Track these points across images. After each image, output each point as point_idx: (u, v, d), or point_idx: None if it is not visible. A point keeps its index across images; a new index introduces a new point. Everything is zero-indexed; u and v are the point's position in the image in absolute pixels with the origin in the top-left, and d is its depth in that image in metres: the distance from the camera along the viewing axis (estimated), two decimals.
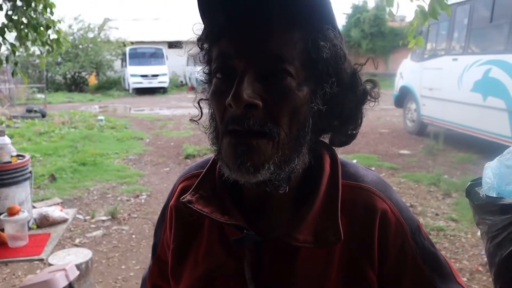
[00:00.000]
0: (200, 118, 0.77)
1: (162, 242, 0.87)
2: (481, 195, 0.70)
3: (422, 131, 8.50)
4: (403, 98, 9.10)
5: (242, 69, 0.64)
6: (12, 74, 3.94)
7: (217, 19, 0.68)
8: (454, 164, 6.54)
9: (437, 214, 4.57)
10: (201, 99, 0.77)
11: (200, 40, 0.72)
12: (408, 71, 8.99)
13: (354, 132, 0.75)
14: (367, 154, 7.09)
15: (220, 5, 0.66)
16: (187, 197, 0.76)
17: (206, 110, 0.76)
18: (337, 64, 0.68)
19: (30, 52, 4.08)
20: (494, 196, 0.67)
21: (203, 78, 0.76)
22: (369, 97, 0.73)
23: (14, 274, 3.43)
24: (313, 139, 0.71)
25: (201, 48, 0.73)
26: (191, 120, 0.79)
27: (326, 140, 0.76)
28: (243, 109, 0.63)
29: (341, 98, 0.70)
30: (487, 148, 6.26)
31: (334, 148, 0.78)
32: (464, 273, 3.35)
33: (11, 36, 3.57)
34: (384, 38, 22.49)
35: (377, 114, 11.45)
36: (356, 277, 0.72)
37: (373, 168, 4.79)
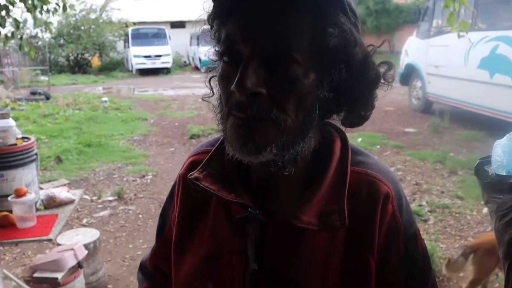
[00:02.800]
0: (212, 96, 0.76)
1: (170, 223, 0.87)
2: (490, 174, 0.68)
3: (427, 109, 8.44)
4: (409, 76, 9.01)
5: (247, 55, 0.63)
6: (20, 48, 3.93)
7: (224, 0, 0.66)
8: (460, 142, 6.51)
9: (442, 192, 4.58)
10: (212, 76, 0.76)
11: (210, 18, 0.71)
12: (413, 48, 8.87)
13: (366, 114, 0.73)
14: (372, 132, 7.05)
15: None
16: (195, 174, 0.76)
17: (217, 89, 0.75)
18: (346, 50, 0.65)
19: (37, 25, 4.10)
20: (504, 174, 0.66)
21: (214, 56, 0.74)
22: (382, 81, 0.71)
23: (24, 254, 3.49)
24: (320, 123, 0.70)
25: (211, 26, 0.72)
26: (203, 99, 0.78)
27: (338, 121, 0.74)
28: (247, 96, 0.62)
29: (350, 84, 0.68)
30: (493, 126, 6.21)
31: (344, 129, 0.77)
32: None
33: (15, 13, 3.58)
34: (389, 15, 22.10)
35: (382, 92, 11.23)
36: (357, 263, 0.71)
37: (378, 146, 4.79)
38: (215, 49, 0.73)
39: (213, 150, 0.80)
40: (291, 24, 0.63)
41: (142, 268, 0.97)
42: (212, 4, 0.70)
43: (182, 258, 0.80)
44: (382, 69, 0.71)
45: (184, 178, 0.80)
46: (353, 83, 0.68)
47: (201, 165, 0.77)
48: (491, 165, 0.70)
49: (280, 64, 0.63)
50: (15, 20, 3.45)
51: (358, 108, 0.71)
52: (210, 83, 0.77)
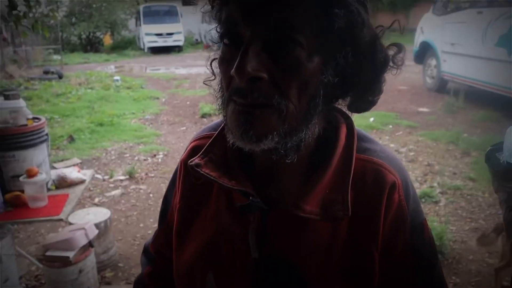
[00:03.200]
0: (214, 79, 0.74)
1: (172, 209, 0.86)
2: (501, 161, 0.66)
3: (442, 88, 8.28)
4: (423, 54, 8.81)
5: (248, 37, 0.60)
6: (32, 28, 3.93)
7: None
8: (475, 122, 6.40)
9: (454, 173, 4.53)
10: (214, 59, 0.74)
11: None
12: (429, 25, 8.65)
13: (374, 99, 0.70)
14: (385, 112, 6.96)
15: None
16: (196, 160, 0.74)
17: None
18: (353, 32, 0.62)
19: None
20: None
21: (216, 38, 0.72)
22: (391, 64, 0.68)
23: (37, 232, 3.56)
24: (325, 109, 0.67)
25: (212, 6, 0.69)
26: (205, 83, 0.77)
27: (344, 106, 0.72)
28: (247, 81, 0.60)
29: (357, 68, 0.65)
30: (510, 106, 6.08)
31: (350, 114, 0.74)
32: (480, 232, 3.34)
33: None
34: None
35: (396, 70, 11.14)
36: (360, 254, 0.69)
37: (390, 126, 4.74)
38: (216, 30, 0.71)
39: (215, 135, 0.78)
40: (294, 5, 0.60)
41: (145, 252, 0.97)
42: None
43: (183, 245, 0.79)
44: (391, 52, 0.68)
45: (186, 164, 0.78)
46: (360, 67, 0.65)
47: (203, 150, 0.76)
48: (502, 152, 0.67)
49: (283, 47, 0.61)
50: (27, 0, 3.44)
51: (365, 93, 0.69)
52: (211, 66, 0.75)
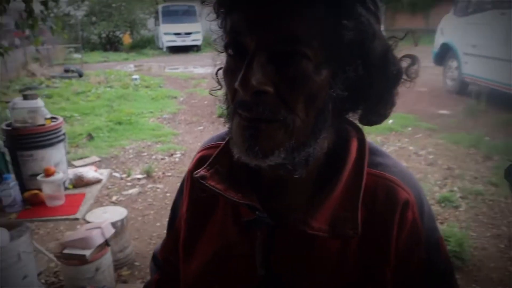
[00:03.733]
0: (221, 89, 0.73)
1: (180, 218, 0.84)
2: None
3: (463, 90, 8.11)
4: (444, 55, 8.66)
5: (253, 49, 0.57)
6: (52, 31, 3.98)
7: None
8: (497, 125, 6.24)
9: (475, 178, 4.42)
10: (220, 68, 0.72)
11: (216, 5, 0.66)
12: (450, 27, 8.49)
13: (386, 112, 0.67)
14: (404, 114, 6.86)
15: None
16: (201, 172, 0.72)
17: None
18: (363, 44, 0.59)
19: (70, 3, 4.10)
20: None
21: (222, 46, 0.70)
22: (404, 77, 0.65)
23: (57, 229, 3.61)
24: (335, 122, 0.64)
25: (217, 14, 0.67)
26: (210, 93, 0.74)
27: (355, 118, 0.69)
28: (252, 95, 0.57)
29: (368, 81, 0.61)
30: None
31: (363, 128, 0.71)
32: (502, 239, 3.26)
33: None
34: None
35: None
36: (371, 274, 0.66)
37: (409, 128, 4.67)
38: (222, 39, 0.68)
39: (222, 145, 0.75)
40: (301, 15, 0.57)
41: (154, 258, 0.96)
42: None
43: (189, 258, 0.78)
44: (404, 64, 0.65)
45: (192, 174, 0.76)
46: (371, 81, 0.62)
47: (209, 162, 0.74)
48: None
49: (289, 60, 0.57)
50: (43, 2, 3.48)
51: (377, 106, 0.65)
52: (217, 75, 0.72)
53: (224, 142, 0.76)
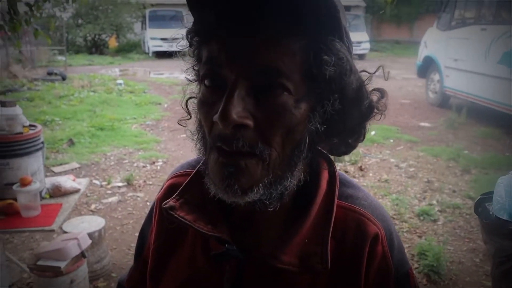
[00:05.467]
0: (190, 119, 0.72)
1: (149, 246, 0.82)
2: (490, 213, 0.64)
3: (444, 103, 8.27)
4: (426, 68, 8.82)
5: (232, 81, 0.57)
6: (35, 35, 3.92)
7: (206, 16, 0.60)
8: (476, 138, 6.37)
9: (454, 191, 4.49)
10: (190, 97, 0.72)
11: (190, 34, 0.65)
12: (433, 40, 8.66)
13: (355, 143, 0.68)
14: (386, 125, 6.94)
15: (210, 0, 0.59)
16: (170, 202, 0.71)
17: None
18: (341, 79, 0.60)
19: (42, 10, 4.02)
20: (505, 218, 0.61)
21: (193, 76, 0.70)
22: (375, 111, 0.66)
23: (32, 238, 3.53)
24: (309, 155, 0.65)
25: (191, 43, 0.66)
26: (179, 123, 0.73)
27: (325, 149, 0.70)
28: (231, 129, 0.57)
29: (343, 115, 0.63)
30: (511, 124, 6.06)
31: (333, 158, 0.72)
32: (478, 253, 3.31)
33: None
34: (410, 4, 21.64)
35: (399, 84, 11.17)
36: None
37: (391, 140, 4.71)
38: (193, 69, 0.68)
39: (192, 174, 0.75)
40: (282, 49, 0.57)
41: (120, 287, 0.94)
42: (193, 19, 0.64)
43: (156, 285, 0.77)
44: (374, 97, 0.66)
45: (161, 203, 0.74)
46: (346, 115, 0.63)
47: (178, 191, 0.73)
48: (492, 203, 0.65)
49: (269, 93, 0.57)
50: (28, 4, 3.43)
51: (348, 139, 0.67)
52: (186, 105, 0.72)
53: (194, 170, 0.75)
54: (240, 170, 0.59)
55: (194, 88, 0.71)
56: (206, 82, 0.61)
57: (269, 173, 0.60)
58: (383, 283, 0.68)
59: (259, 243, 0.69)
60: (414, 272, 0.73)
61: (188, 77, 0.70)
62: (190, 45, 0.66)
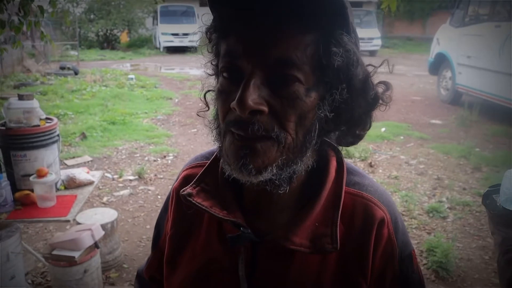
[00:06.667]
0: (208, 110, 0.76)
1: (165, 235, 0.87)
2: (498, 204, 0.66)
3: (456, 100, 8.22)
4: (438, 65, 8.76)
5: (249, 71, 0.62)
6: (41, 38, 4.00)
7: (226, 13, 0.65)
8: (487, 136, 6.33)
9: (464, 189, 4.48)
10: (208, 90, 0.76)
11: (209, 31, 0.70)
12: (445, 37, 8.59)
13: (362, 133, 0.72)
14: (397, 122, 6.93)
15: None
16: (188, 189, 0.75)
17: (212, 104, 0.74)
18: (348, 70, 0.65)
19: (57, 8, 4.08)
20: (511, 209, 0.64)
21: (211, 70, 0.74)
22: (380, 101, 0.70)
23: (46, 229, 3.61)
24: (318, 142, 0.69)
25: (210, 39, 0.70)
26: (198, 114, 0.78)
27: (333, 139, 0.74)
28: (248, 114, 0.61)
29: (351, 104, 0.67)
30: None
31: (341, 149, 0.76)
32: (487, 251, 3.31)
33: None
34: (423, 0, 21.42)
35: (410, 81, 11.10)
36: (348, 286, 0.71)
37: (401, 137, 4.71)
38: (211, 63, 0.72)
39: (207, 164, 0.79)
40: (295, 42, 0.62)
41: (139, 277, 0.98)
42: (212, 17, 0.69)
43: (173, 274, 0.81)
44: (380, 89, 0.70)
45: (178, 192, 0.79)
46: (353, 104, 0.67)
47: (195, 180, 0.77)
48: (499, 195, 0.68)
49: (283, 82, 0.62)
50: (40, 7, 3.49)
51: (356, 128, 0.71)
52: (205, 98, 0.76)
53: (209, 161, 0.79)
54: (256, 152, 0.63)
55: (212, 82, 0.74)
56: (224, 73, 0.66)
57: (283, 154, 0.65)
58: (388, 262, 0.73)
59: (271, 226, 0.72)
60: (416, 253, 0.78)
61: (207, 71, 0.74)
62: (209, 41, 0.71)
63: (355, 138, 0.73)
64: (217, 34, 0.69)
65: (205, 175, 0.78)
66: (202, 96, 0.77)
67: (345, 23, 0.64)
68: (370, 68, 0.69)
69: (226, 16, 0.65)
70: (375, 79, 0.70)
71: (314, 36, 0.63)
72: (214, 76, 0.74)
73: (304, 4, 0.61)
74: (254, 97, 0.61)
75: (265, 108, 0.62)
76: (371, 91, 0.68)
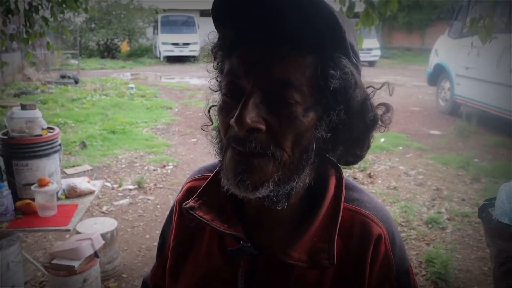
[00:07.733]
0: (212, 124, 0.78)
1: (169, 244, 0.88)
2: (493, 217, 0.68)
3: (454, 111, 8.25)
4: (437, 76, 8.81)
5: (249, 90, 0.64)
6: (47, 47, 4.05)
7: (229, 34, 0.68)
8: (486, 147, 6.35)
9: (463, 200, 4.49)
10: (212, 106, 0.78)
11: (215, 49, 0.73)
12: (444, 48, 8.65)
13: (361, 153, 0.74)
14: (396, 133, 6.95)
15: (232, 21, 0.67)
16: (190, 203, 0.77)
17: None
18: (346, 92, 0.67)
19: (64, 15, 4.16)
20: (506, 222, 0.65)
21: (215, 86, 0.76)
22: (379, 123, 0.72)
23: (45, 238, 3.61)
24: (316, 161, 0.71)
25: (215, 57, 0.73)
26: (202, 128, 0.80)
27: (334, 157, 0.76)
28: (245, 132, 0.63)
29: (348, 125, 0.69)
30: None
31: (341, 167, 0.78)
32: (486, 262, 3.31)
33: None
34: (421, 11, 21.60)
35: (409, 91, 11.16)
36: None
37: (400, 148, 4.73)
38: (216, 80, 0.75)
39: (210, 177, 0.81)
40: (294, 64, 0.64)
41: (144, 285, 1.00)
42: (217, 36, 0.71)
43: (175, 284, 0.83)
44: (380, 111, 0.72)
45: (181, 204, 0.81)
46: (351, 125, 0.69)
47: (197, 193, 0.79)
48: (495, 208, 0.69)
49: (281, 102, 0.65)
50: (44, 18, 3.54)
51: (354, 148, 0.73)
52: (209, 113, 0.79)
53: (212, 174, 0.82)
54: (253, 168, 0.65)
55: (216, 97, 0.76)
56: (226, 91, 0.69)
57: (279, 170, 0.66)
58: (385, 278, 0.74)
59: (271, 241, 0.74)
60: (413, 269, 0.81)
61: (211, 87, 0.77)
62: (214, 59, 0.74)
63: (355, 158, 0.75)
64: (221, 53, 0.71)
65: (207, 189, 0.80)
66: (206, 111, 0.79)
67: (343, 46, 0.66)
68: (370, 90, 0.71)
69: (229, 37, 0.68)
70: (376, 100, 0.71)
71: (313, 59, 0.65)
72: (218, 92, 0.76)
73: (303, 29, 0.63)
74: (252, 115, 0.63)
75: (263, 127, 0.64)
76: (370, 113, 0.70)
